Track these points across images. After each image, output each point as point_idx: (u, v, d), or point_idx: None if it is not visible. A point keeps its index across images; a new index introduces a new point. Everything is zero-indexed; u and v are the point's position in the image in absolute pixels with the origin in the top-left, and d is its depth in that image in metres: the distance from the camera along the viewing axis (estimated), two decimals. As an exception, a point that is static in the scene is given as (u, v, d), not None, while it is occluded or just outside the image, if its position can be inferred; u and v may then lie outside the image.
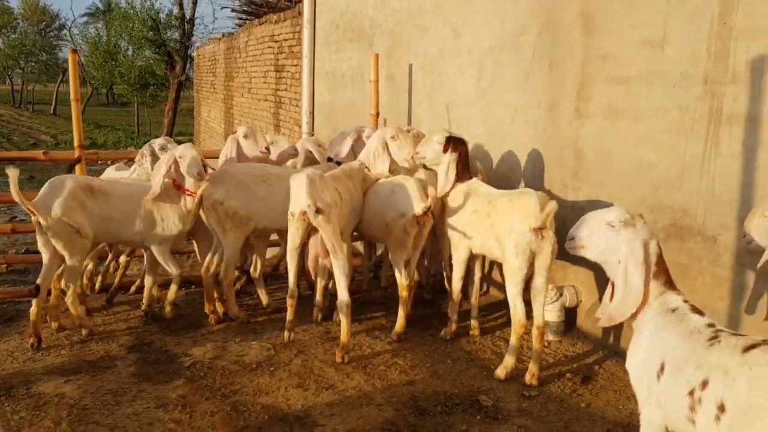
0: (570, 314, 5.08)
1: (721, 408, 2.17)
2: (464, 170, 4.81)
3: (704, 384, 2.24)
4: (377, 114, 7.26)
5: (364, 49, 8.68)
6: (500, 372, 4.32)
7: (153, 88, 28.95)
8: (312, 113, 10.36)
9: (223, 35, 16.65)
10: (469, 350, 4.81)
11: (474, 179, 4.83)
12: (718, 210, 4.03)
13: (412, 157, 5.09)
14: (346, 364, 4.48)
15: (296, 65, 11.11)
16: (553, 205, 3.99)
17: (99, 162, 9.71)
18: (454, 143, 4.80)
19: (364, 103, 8.66)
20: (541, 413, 3.95)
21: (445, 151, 4.80)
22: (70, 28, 46.16)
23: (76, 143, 5.86)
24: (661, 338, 2.53)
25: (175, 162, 4.80)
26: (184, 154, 4.77)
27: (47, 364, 4.44)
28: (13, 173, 4.14)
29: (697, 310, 2.60)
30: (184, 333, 5.04)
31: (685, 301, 2.65)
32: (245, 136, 5.52)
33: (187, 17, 24.37)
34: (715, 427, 2.19)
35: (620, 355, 4.53)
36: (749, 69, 3.82)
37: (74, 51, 5.87)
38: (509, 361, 4.35)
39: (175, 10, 24.44)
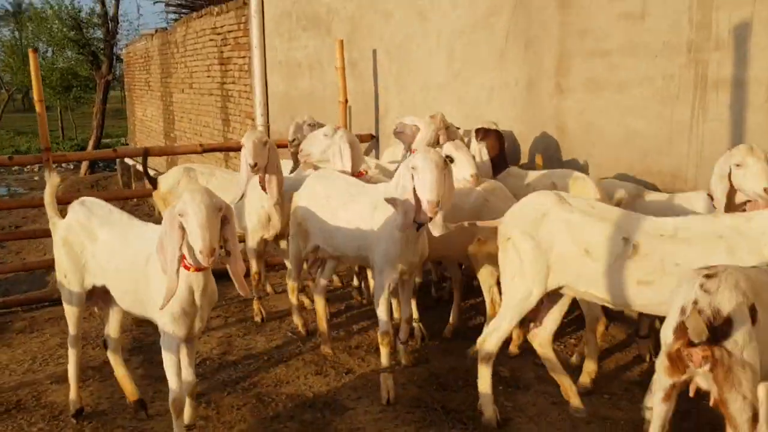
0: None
1: None
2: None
3: None
4: (345, 101, 7.22)
5: (321, 37, 8.61)
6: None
7: (77, 90, 27.67)
8: (266, 105, 10.21)
9: (156, 30, 16.13)
10: (473, 327, 4.90)
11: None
12: (708, 172, 4.20)
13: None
14: (358, 349, 4.49)
15: (244, 57, 10.90)
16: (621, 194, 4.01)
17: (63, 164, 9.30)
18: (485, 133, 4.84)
19: (325, 92, 8.61)
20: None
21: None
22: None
23: (43, 146, 5.60)
24: None
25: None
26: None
27: (49, 373, 4.25)
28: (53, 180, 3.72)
29: None
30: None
31: None
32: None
33: (110, 14, 23.41)
34: None
35: (618, 319, 4.72)
36: (732, 36, 4.03)
37: (35, 50, 5.59)
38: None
39: (97, 8, 23.44)
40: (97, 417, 3.69)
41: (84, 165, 19.98)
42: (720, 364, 2.30)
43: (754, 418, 2.33)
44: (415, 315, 4.57)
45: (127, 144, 22.74)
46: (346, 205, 4.00)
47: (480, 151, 4.74)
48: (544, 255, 3.27)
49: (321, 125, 4.94)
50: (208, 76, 12.72)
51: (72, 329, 3.58)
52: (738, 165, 3.45)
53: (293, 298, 4.79)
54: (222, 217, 2.75)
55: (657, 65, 4.47)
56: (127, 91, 21.22)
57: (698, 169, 4.29)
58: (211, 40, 12.24)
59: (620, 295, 3.13)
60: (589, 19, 4.91)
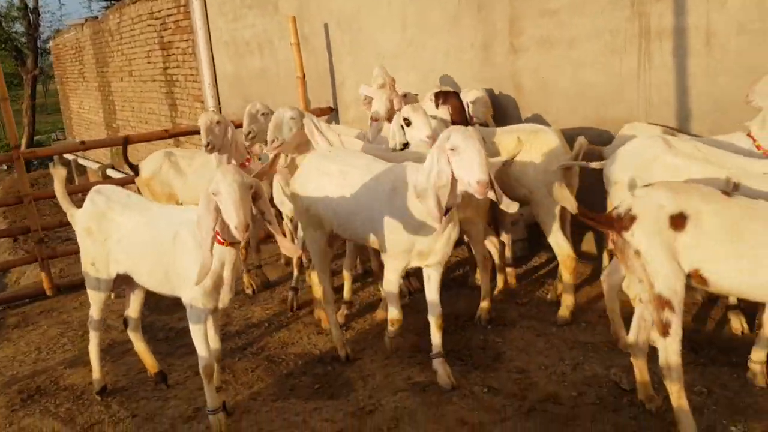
0: (533, 230, 5.62)
1: None
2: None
3: None
4: (303, 76, 7.38)
5: (268, 14, 8.69)
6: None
7: (0, 88, 26.60)
8: (216, 86, 10.23)
9: (87, 20, 15.70)
10: (453, 278, 5.25)
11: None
12: (657, 116, 4.66)
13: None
14: (352, 306, 4.77)
15: (187, 40, 10.85)
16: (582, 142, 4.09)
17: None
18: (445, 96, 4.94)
19: (278, 69, 8.73)
20: (538, 314, 4.48)
21: (437, 105, 4.89)
22: None
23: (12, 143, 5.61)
24: None
25: None
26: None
27: (60, 360, 4.39)
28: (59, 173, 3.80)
29: None
30: (178, 310, 5.08)
31: None
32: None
33: (30, 6, 22.56)
34: None
35: (582, 257, 5.15)
36: (671, -12, 4.41)
37: None
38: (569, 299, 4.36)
39: (16, 1, 22.51)
40: (120, 393, 3.89)
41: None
42: (618, 249, 3.01)
43: (660, 303, 2.86)
44: None
45: (63, 139, 22.08)
46: (365, 184, 3.63)
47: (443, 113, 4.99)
48: None
49: (226, 120, 4.97)
50: (149, 62, 12.56)
51: (96, 314, 3.74)
52: None
53: (318, 291, 4.32)
54: (253, 194, 2.94)
55: (603, 20, 4.83)
56: (59, 85, 20.55)
57: (647, 114, 4.70)
58: (149, 25, 12.08)
59: None
60: (537, -20, 5.23)
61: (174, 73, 11.62)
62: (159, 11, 11.51)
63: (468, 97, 5.30)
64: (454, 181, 3.13)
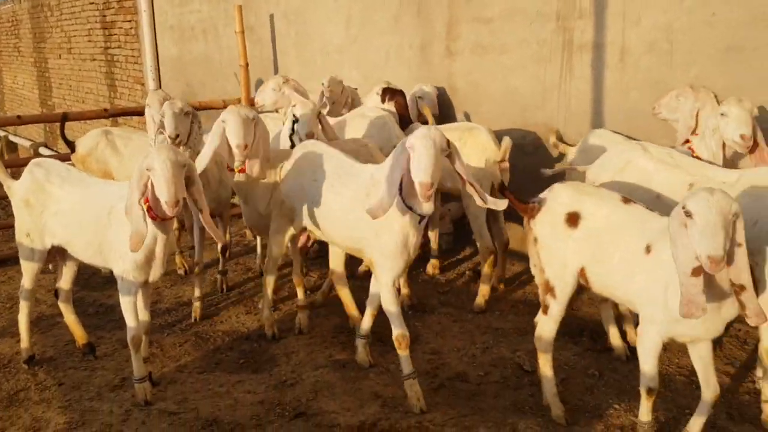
0: (458, 224, 5.93)
1: None
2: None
3: None
4: (246, 65, 7.48)
5: (216, 1, 8.74)
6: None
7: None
8: (158, 69, 10.19)
9: (25, -8, 15.24)
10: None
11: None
12: (575, 122, 5.02)
13: None
14: (281, 290, 4.95)
15: (130, 21, 10.74)
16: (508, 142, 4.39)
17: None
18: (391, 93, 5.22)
19: (221, 56, 8.79)
20: (456, 302, 4.79)
21: (383, 101, 5.20)
22: None
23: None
24: None
25: None
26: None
27: (-14, 330, 4.42)
28: None
29: None
30: (108, 287, 5.15)
31: None
32: None
33: (-35, -27, 21.65)
34: None
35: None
36: (593, 5, 4.76)
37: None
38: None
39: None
40: (47, 362, 3.96)
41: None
42: (527, 236, 3.34)
43: (546, 288, 3.23)
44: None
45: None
46: (335, 188, 3.64)
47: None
48: None
49: (193, 111, 4.50)
50: (90, 41, 12.34)
51: (27, 284, 3.82)
52: (723, 114, 3.69)
53: (269, 291, 4.21)
54: (186, 176, 3.08)
55: (532, 31, 5.16)
56: (-8, 57, 19.80)
57: (566, 121, 5.06)
58: (91, 3, 11.87)
59: None
60: (474, -12, 5.53)
61: (115, 53, 11.47)
62: (102, -11, 11.35)
63: (418, 92, 5.58)
64: (409, 178, 3.11)
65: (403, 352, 3.46)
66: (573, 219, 3.11)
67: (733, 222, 2.54)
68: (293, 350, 4.07)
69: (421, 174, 3.00)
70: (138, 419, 3.34)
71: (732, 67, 4.09)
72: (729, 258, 2.55)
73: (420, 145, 3.03)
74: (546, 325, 3.30)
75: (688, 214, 2.54)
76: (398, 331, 3.44)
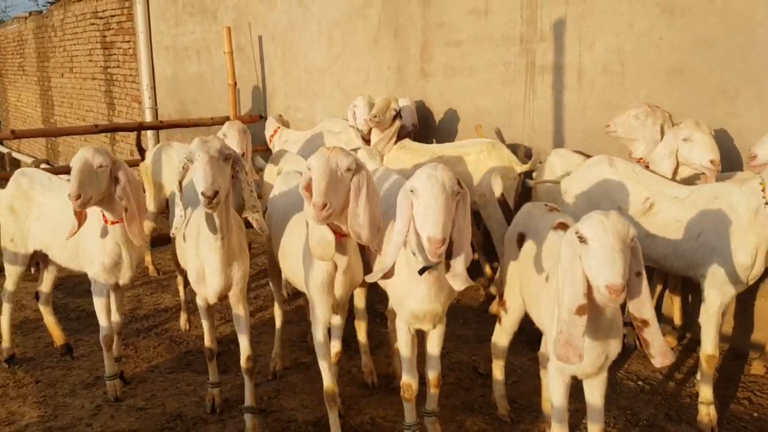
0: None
1: None
2: None
3: None
4: (234, 84, 7.77)
5: (207, 23, 9.08)
6: None
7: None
8: (154, 88, 10.52)
9: (30, 14, 15.70)
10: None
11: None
12: (538, 140, 5.26)
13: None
14: (256, 300, 5.18)
15: (129, 41, 11.11)
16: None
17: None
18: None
19: (213, 75, 9.11)
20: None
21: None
22: None
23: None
24: None
25: None
26: None
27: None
28: None
29: None
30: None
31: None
32: None
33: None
34: None
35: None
36: (552, 30, 5.03)
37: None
38: None
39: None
40: (27, 362, 4.19)
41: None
42: None
43: (501, 303, 3.36)
44: None
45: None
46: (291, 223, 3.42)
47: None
48: (593, 210, 3.81)
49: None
50: (90, 60, 12.73)
51: (11, 287, 4.08)
52: (685, 139, 3.77)
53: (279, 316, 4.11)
54: (115, 177, 3.28)
55: (498, 53, 5.43)
56: (-2, 77, 20.26)
57: (531, 138, 5.30)
58: (92, 24, 12.26)
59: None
60: (445, 13, 5.81)
61: (114, 72, 11.83)
62: (103, 11, 11.73)
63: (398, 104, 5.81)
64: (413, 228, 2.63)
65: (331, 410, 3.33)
66: (520, 240, 3.19)
67: (632, 248, 2.28)
68: (261, 354, 4.28)
69: (429, 227, 2.48)
70: (107, 413, 3.56)
71: (676, 87, 4.33)
72: (629, 289, 2.29)
73: (426, 190, 2.52)
74: (500, 335, 3.46)
75: (582, 240, 2.28)
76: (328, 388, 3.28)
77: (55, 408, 3.62)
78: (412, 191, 2.59)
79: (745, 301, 4.15)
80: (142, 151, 5.83)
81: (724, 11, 4.01)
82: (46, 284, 4.17)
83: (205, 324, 3.55)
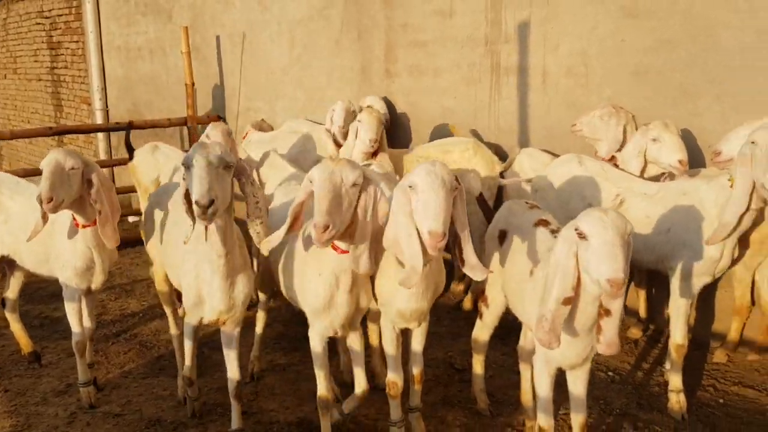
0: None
1: None
2: None
3: None
4: (192, 84, 7.65)
5: (162, 22, 8.90)
6: None
7: None
8: (104, 89, 10.25)
9: (-31, 11, 15.05)
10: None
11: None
12: (504, 139, 5.37)
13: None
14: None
15: (77, 41, 10.80)
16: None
17: None
18: None
19: (168, 76, 8.95)
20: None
21: None
22: None
23: None
24: None
25: None
26: None
27: (-72, 343, 4.45)
28: None
29: None
30: (53, 300, 5.23)
31: None
32: None
33: None
34: None
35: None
36: (516, 32, 5.15)
37: None
38: None
39: None
40: (-7, 370, 4.05)
41: None
42: None
43: (483, 298, 3.42)
44: None
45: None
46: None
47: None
48: (563, 207, 3.89)
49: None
50: (36, 61, 12.31)
51: None
52: (654, 140, 3.89)
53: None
54: (88, 180, 3.21)
55: (463, 54, 5.52)
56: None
57: (497, 138, 5.40)
58: (37, 23, 11.87)
59: None
60: (409, 14, 5.87)
61: (62, 73, 11.47)
62: (49, 10, 11.37)
63: (366, 102, 5.81)
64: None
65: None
66: (501, 237, 3.22)
67: (629, 243, 2.34)
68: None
69: (430, 221, 2.50)
70: (83, 421, 3.47)
71: (639, 89, 4.49)
72: None
73: (425, 185, 2.54)
74: (480, 330, 3.52)
75: (581, 236, 2.34)
76: (321, 397, 3.23)
77: (28, 417, 3.51)
78: (410, 187, 2.58)
79: (706, 292, 4.33)
80: (130, 151, 5.63)
81: (687, 14, 4.18)
82: (12, 290, 4.04)
83: (187, 347, 3.34)
